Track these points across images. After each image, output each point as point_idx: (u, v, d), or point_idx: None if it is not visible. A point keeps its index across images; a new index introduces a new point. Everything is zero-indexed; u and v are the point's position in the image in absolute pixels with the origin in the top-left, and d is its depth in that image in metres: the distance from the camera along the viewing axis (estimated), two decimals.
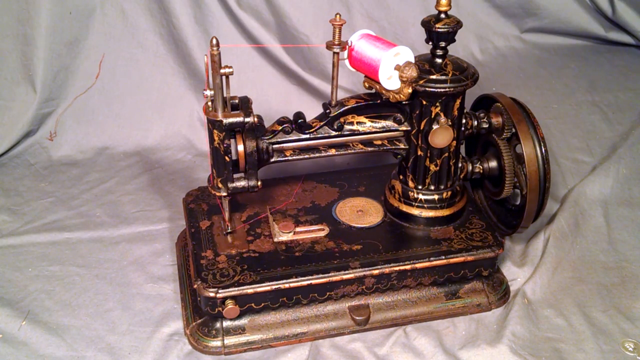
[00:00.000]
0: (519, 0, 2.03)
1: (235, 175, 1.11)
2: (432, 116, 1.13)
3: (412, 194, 1.21)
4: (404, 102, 1.12)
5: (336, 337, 1.14)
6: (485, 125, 1.20)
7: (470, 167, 1.23)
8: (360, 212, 1.25)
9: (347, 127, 1.14)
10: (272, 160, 1.13)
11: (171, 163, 1.62)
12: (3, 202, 1.46)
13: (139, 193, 1.51)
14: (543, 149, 1.15)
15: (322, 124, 1.13)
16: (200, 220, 1.23)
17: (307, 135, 1.13)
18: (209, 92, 1.02)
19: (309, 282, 1.10)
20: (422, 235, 1.20)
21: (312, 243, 1.18)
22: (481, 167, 1.24)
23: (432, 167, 1.18)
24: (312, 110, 1.22)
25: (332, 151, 1.15)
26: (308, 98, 1.77)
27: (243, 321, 1.12)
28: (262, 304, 1.11)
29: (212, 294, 1.07)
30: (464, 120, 1.18)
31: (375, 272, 1.12)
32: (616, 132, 1.70)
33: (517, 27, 2.09)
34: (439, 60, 1.12)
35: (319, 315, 1.14)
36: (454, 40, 1.11)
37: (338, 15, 1.06)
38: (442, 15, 1.09)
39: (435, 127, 1.12)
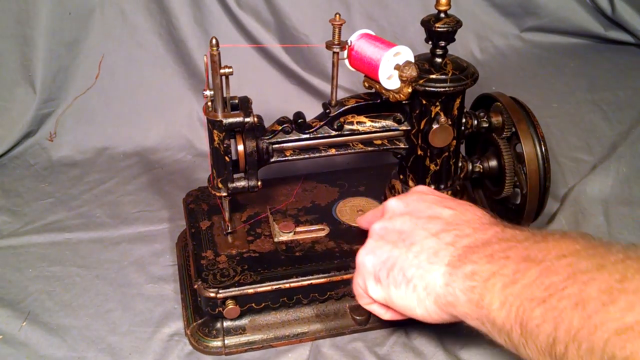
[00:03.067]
0: None
1: (235, 175, 1.10)
2: (432, 116, 1.13)
3: None
4: (403, 102, 1.12)
5: (337, 337, 1.14)
6: (485, 125, 1.20)
7: (470, 167, 1.23)
8: (361, 212, 1.25)
9: (347, 126, 1.14)
10: (272, 160, 1.13)
11: (171, 163, 1.62)
12: (3, 203, 1.46)
13: (139, 193, 1.51)
14: (543, 148, 1.15)
15: (322, 123, 1.13)
16: (201, 221, 1.23)
17: (307, 135, 1.13)
18: (209, 92, 1.02)
19: (309, 282, 1.10)
20: None
21: (312, 243, 1.18)
22: (481, 166, 1.24)
23: (432, 167, 1.17)
24: (312, 110, 1.22)
25: (332, 151, 1.15)
26: (308, 98, 1.77)
27: (243, 321, 1.12)
28: (263, 304, 1.11)
29: (212, 294, 1.07)
30: (463, 120, 1.17)
31: None
32: (616, 130, 1.70)
33: (516, 26, 2.09)
34: (438, 60, 1.12)
35: (319, 315, 1.14)
36: (454, 40, 1.11)
37: (338, 15, 1.06)
38: (442, 15, 1.08)
39: (435, 126, 1.12)
